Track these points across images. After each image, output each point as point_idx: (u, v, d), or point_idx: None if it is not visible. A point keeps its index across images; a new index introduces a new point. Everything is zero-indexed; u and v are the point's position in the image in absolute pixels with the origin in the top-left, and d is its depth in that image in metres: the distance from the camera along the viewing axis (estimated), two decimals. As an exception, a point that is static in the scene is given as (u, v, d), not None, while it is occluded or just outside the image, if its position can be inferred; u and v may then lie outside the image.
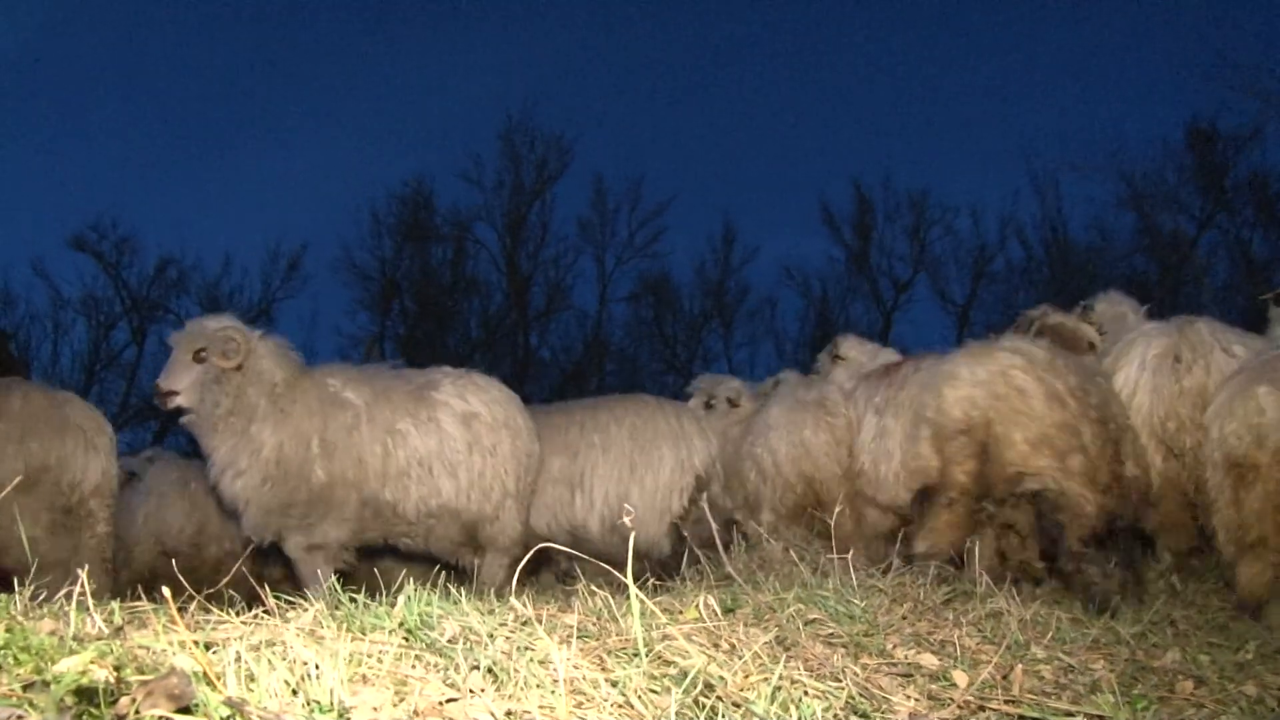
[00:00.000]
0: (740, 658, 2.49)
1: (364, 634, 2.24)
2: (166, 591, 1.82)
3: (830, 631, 2.88)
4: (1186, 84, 43.85)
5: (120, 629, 1.85)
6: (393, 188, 32.09)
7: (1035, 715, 2.59)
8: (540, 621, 2.53)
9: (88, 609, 1.89)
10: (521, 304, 31.09)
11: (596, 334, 31.17)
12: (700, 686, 2.25)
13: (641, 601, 2.23)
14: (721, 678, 2.31)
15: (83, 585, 1.92)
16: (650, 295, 31.47)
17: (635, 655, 2.35)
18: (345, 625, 2.25)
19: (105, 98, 53.19)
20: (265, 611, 2.35)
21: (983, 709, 2.63)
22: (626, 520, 2.24)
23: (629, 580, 2.31)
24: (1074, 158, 30.42)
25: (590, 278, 31.53)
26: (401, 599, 2.36)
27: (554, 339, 31.58)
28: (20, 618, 1.87)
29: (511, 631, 2.37)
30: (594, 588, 2.80)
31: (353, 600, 2.38)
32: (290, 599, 2.56)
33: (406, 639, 2.26)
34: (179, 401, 5.34)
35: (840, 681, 2.57)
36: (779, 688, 2.37)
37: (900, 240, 29.71)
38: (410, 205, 31.55)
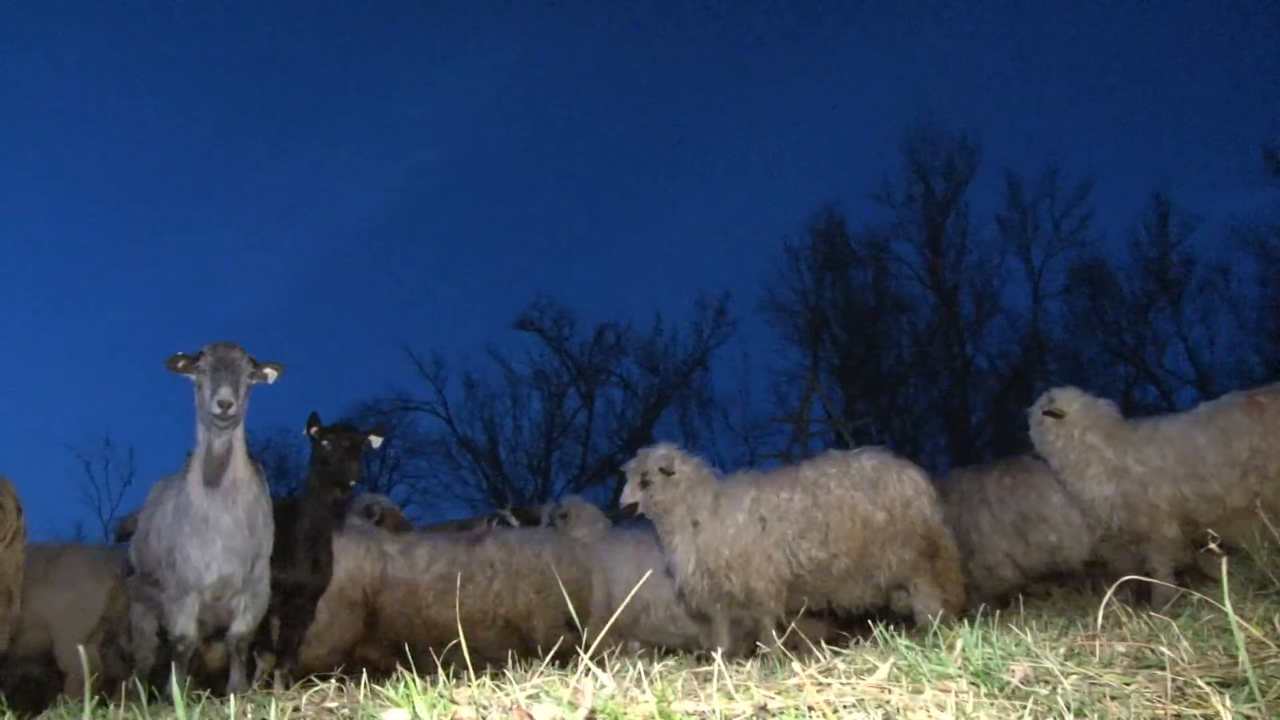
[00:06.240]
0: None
1: (928, 683, 2.18)
2: (717, 657, 1.88)
3: None
4: None
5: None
6: (805, 220, 32.51)
7: None
8: (1095, 654, 2.35)
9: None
10: (951, 315, 29.98)
11: (1034, 334, 29.25)
12: None
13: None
14: None
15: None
16: (1085, 285, 29.13)
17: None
18: (910, 675, 2.21)
19: (530, 187, 58.76)
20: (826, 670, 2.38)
21: None
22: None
23: (1234, 609, 2.06)
24: None
25: (1018, 277, 30.09)
26: (959, 642, 2.28)
27: (989, 346, 30.15)
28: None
29: (1080, 667, 2.20)
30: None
31: (909, 647, 2.34)
32: (839, 652, 2.59)
33: (973, 684, 2.17)
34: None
35: None
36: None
37: (1372, 175, 25.32)
38: (824, 235, 31.48)
